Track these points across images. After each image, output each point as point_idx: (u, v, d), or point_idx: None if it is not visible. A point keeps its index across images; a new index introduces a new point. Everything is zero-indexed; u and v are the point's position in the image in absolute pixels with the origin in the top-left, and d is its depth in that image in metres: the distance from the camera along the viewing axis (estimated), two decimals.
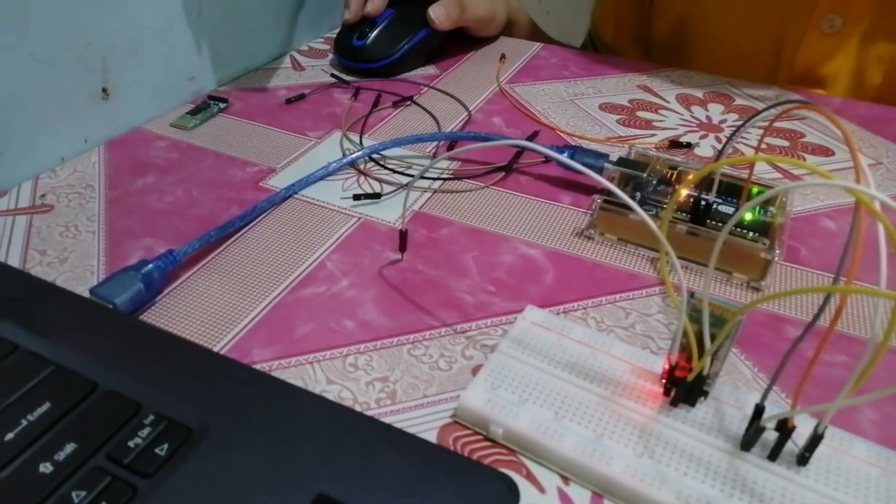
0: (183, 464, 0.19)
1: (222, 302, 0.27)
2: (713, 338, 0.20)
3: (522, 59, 0.51)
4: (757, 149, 0.28)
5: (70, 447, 0.19)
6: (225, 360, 0.22)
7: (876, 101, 0.45)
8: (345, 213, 0.32)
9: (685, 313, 0.20)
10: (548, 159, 0.37)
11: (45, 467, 0.18)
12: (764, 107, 0.24)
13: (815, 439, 0.19)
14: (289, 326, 0.26)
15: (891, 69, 0.45)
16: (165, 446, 0.19)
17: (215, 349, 0.24)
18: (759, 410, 0.19)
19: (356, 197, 0.33)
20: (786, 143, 0.40)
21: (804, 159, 0.38)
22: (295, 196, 0.34)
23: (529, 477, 0.20)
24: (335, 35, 0.49)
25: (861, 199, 0.15)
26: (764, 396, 0.19)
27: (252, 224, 0.31)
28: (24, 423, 0.19)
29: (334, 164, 0.35)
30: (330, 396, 0.23)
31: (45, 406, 0.20)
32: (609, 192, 0.31)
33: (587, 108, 0.44)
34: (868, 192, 0.15)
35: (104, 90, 0.37)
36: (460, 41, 0.52)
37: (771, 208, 0.30)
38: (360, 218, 0.32)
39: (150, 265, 0.26)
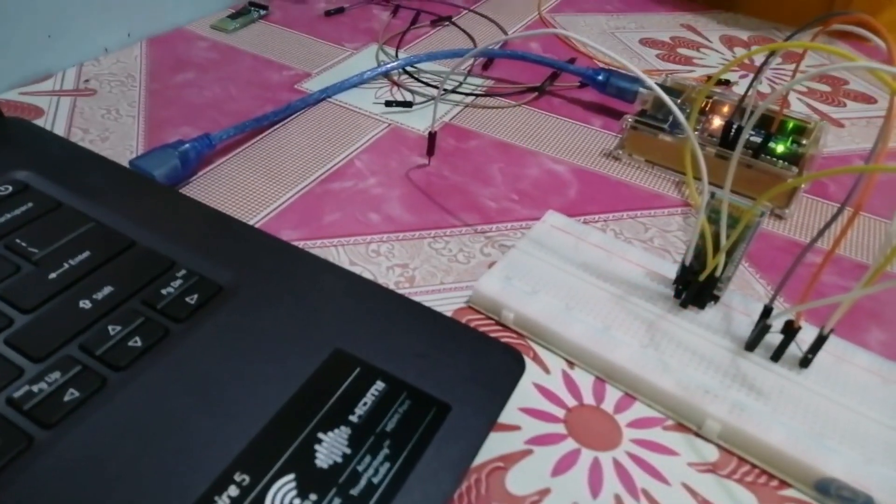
0: (212, 315, 0.20)
1: (254, 187, 0.28)
2: (729, 238, 0.20)
3: None
4: (794, 73, 0.27)
5: (108, 290, 0.20)
6: (256, 230, 0.23)
7: None
8: (376, 118, 0.33)
9: (704, 213, 0.20)
10: (582, 84, 0.37)
11: (85, 304, 0.20)
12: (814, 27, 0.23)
13: (820, 340, 0.19)
14: (316, 213, 0.27)
15: None
16: (196, 296, 0.20)
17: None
18: (766, 311, 0.20)
19: (388, 104, 0.34)
20: (828, 88, 0.39)
21: (845, 105, 0.38)
22: (328, 100, 0.34)
23: (536, 359, 0.21)
24: None
25: (884, 79, 0.15)
26: (773, 298, 0.20)
27: (285, 121, 0.32)
28: (66, 266, 0.21)
29: (369, 73, 0.35)
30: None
31: (86, 254, 0.21)
32: (641, 113, 0.31)
33: (627, 42, 0.43)
34: (893, 71, 0.15)
35: None
36: None
37: (804, 140, 0.30)
38: (390, 124, 0.32)
39: (187, 144, 0.27)
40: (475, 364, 0.19)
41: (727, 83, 0.39)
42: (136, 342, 0.19)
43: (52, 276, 0.20)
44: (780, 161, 0.28)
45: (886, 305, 0.24)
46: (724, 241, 0.20)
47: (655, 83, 0.33)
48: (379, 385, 0.18)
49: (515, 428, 0.19)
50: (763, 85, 0.39)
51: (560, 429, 0.19)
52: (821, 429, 0.18)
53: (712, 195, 0.20)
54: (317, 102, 0.34)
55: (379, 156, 0.30)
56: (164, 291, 0.20)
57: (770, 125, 0.30)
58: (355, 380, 0.18)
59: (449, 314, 0.23)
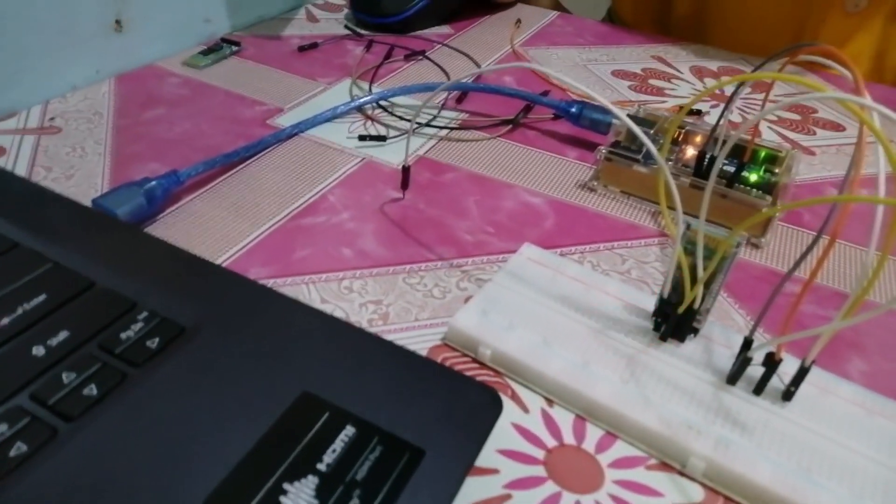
0: (173, 358, 0.19)
1: (223, 224, 0.27)
2: (706, 269, 0.20)
3: (538, 25, 0.51)
4: (764, 102, 0.27)
5: (63, 334, 0.19)
6: (222, 269, 0.22)
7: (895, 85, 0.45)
8: (350, 152, 0.32)
9: (680, 244, 0.20)
10: (556, 116, 0.37)
11: (38, 350, 0.19)
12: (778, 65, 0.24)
13: (802, 372, 0.19)
14: (287, 250, 0.26)
15: None
16: (157, 340, 0.19)
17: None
18: (746, 343, 0.19)
19: (361, 137, 0.33)
20: (797, 117, 0.40)
21: (815, 133, 0.38)
22: (301, 135, 0.34)
23: (514, 398, 0.20)
24: None
25: (852, 108, 0.15)
26: (752, 330, 0.19)
27: (257, 157, 0.32)
28: (20, 310, 0.20)
29: (342, 107, 0.35)
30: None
31: (42, 297, 0.20)
32: (615, 144, 0.31)
33: (599, 74, 0.43)
34: (861, 102, 0.15)
35: (118, 22, 0.37)
36: (477, 5, 0.52)
37: (776, 169, 0.30)
38: (364, 159, 0.32)
39: (154, 182, 0.26)
40: (450, 405, 0.18)
41: (699, 113, 0.39)
42: (91, 390, 0.18)
43: (5, 321, 0.19)
44: (754, 190, 0.28)
45: (866, 335, 0.24)
46: (700, 273, 0.19)
47: (628, 114, 0.33)
48: (349, 430, 0.17)
49: (493, 471, 0.18)
50: (734, 115, 0.39)
51: (540, 471, 0.18)
52: (808, 464, 0.18)
53: (688, 226, 0.20)
54: (289, 137, 0.33)
55: (352, 190, 0.30)
56: (123, 335, 0.19)
57: (743, 154, 0.30)
58: (324, 425, 0.17)
59: (424, 352, 0.22)
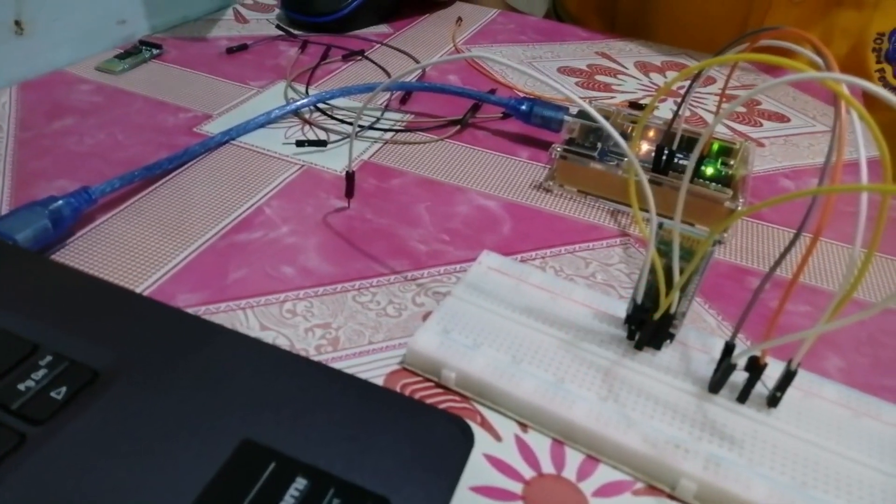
0: (85, 410, 0.16)
1: (144, 245, 0.24)
2: (682, 271, 0.18)
3: (479, 23, 0.49)
4: (722, 95, 0.27)
5: None
6: (144, 299, 0.19)
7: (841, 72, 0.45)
8: (287, 160, 0.30)
9: (653, 245, 0.18)
10: (505, 115, 0.35)
11: None
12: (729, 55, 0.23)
13: (788, 376, 0.18)
14: (219, 272, 0.23)
15: (855, 41, 0.45)
16: (63, 390, 0.16)
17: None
18: (729, 348, 0.18)
19: (300, 143, 0.31)
20: (743, 109, 0.40)
21: (762, 125, 0.38)
22: (232, 142, 0.31)
23: (485, 424, 0.19)
24: None
25: (837, 89, 0.14)
26: (734, 334, 0.18)
27: (183, 168, 0.29)
28: None
29: (277, 112, 0.33)
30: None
31: None
32: (569, 142, 0.29)
33: (546, 71, 0.42)
34: (838, 77, 0.14)
35: (17, 23, 0.33)
36: (416, 3, 0.50)
37: (731, 161, 0.29)
38: (303, 166, 0.30)
39: (61, 201, 0.23)
40: (415, 442, 0.16)
41: (642, 108, 0.38)
42: None
43: None
44: (713, 184, 0.27)
45: (842, 332, 0.23)
46: (677, 276, 0.18)
47: (579, 109, 0.32)
48: (300, 482, 0.15)
49: None
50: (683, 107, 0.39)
51: None
52: (802, 477, 0.16)
53: (660, 226, 0.19)
54: (219, 146, 0.30)
55: (292, 201, 0.27)
56: (21, 386, 0.16)
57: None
58: (271, 477, 0.15)
59: (381, 380, 0.20)
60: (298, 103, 0.33)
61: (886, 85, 0.45)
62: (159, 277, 0.23)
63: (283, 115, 0.33)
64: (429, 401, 0.19)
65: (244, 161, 0.29)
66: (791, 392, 0.19)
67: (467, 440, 0.16)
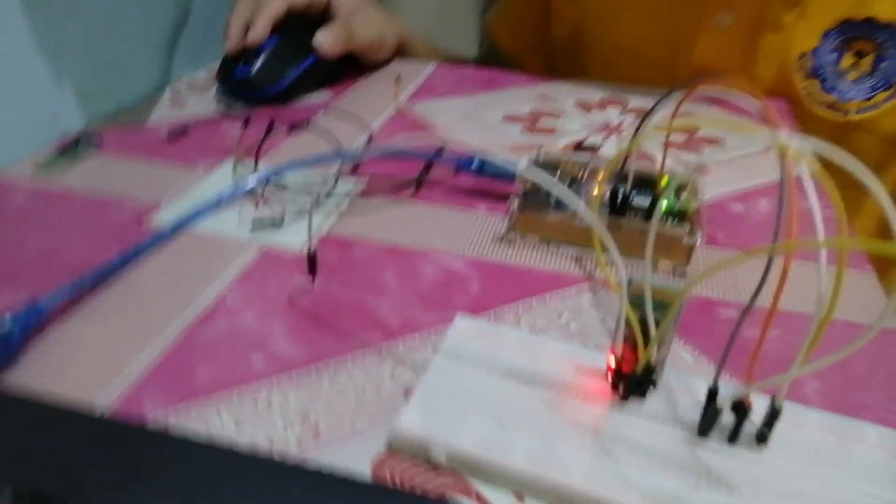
0: None
1: (102, 353, 0.23)
2: (657, 323, 0.18)
3: (419, 78, 0.50)
4: (669, 129, 0.27)
5: None
6: (102, 420, 0.18)
7: (769, 96, 0.47)
8: (243, 243, 0.29)
9: (625, 300, 0.18)
10: (458, 170, 0.35)
11: None
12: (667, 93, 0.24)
13: (773, 414, 0.18)
14: (186, 371, 0.22)
15: (780, 62, 0.47)
16: None
17: (96, 407, 0.20)
18: (712, 393, 0.18)
19: (255, 225, 0.30)
20: (684, 137, 0.41)
21: (702, 151, 0.39)
22: (185, 231, 0.30)
23: (480, 501, 0.18)
24: (218, 67, 0.46)
25: (784, 150, 0.14)
26: (716, 379, 0.18)
27: (136, 265, 0.28)
28: None
29: (228, 194, 0.32)
30: (242, 443, 0.19)
31: None
32: (526, 193, 0.30)
33: (490, 121, 0.43)
34: (786, 139, 0.14)
35: None
36: (353, 67, 0.50)
37: (683, 194, 0.30)
38: (261, 247, 0.29)
39: (7, 321, 0.22)
40: None
41: (594, 149, 0.39)
42: None
43: None
44: (670, 219, 0.28)
45: (815, 353, 0.23)
46: (653, 331, 0.18)
47: (532, 162, 0.33)
48: None
49: None
50: (612, 144, 0.40)
51: None
52: None
53: (630, 281, 0.19)
54: (171, 236, 0.29)
55: (253, 286, 0.27)
56: None
57: (651, 185, 0.30)
58: None
59: (367, 467, 0.19)
60: (249, 183, 0.33)
61: (815, 101, 0.47)
62: (123, 386, 0.21)
63: (234, 196, 0.32)
64: (419, 483, 0.18)
65: (199, 249, 0.29)
66: (779, 425, 0.19)
67: None
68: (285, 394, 0.21)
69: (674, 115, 0.28)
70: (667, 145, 0.30)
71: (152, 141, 0.39)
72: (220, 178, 0.35)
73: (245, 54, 0.44)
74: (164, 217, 0.31)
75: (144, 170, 0.35)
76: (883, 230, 0.51)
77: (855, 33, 0.45)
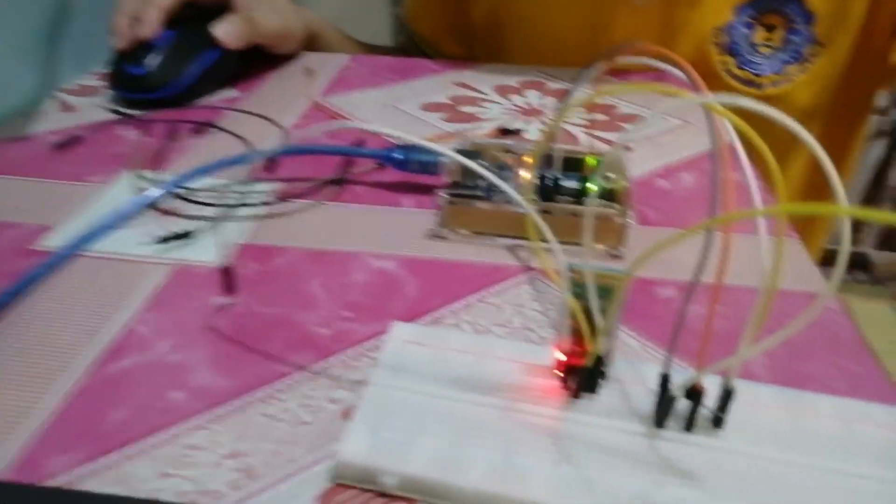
0: None
1: None
2: (603, 311, 0.17)
3: (332, 71, 0.48)
4: (596, 95, 0.27)
5: None
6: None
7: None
8: (151, 262, 0.26)
9: (568, 292, 0.18)
10: (381, 165, 0.34)
11: None
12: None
13: (727, 395, 0.17)
14: (95, 418, 0.20)
15: (697, 38, 0.48)
16: None
17: None
18: (665, 381, 0.18)
19: (162, 240, 0.27)
20: (605, 117, 0.41)
21: (623, 129, 0.40)
22: (81, 254, 0.27)
23: None
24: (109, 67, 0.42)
25: (713, 109, 0.14)
26: (667, 365, 0.18)
27: (26, 297, 0.24)
28: None
29: (129, 208, 0.29)
30: (166, 496, 0.17)
31: None
32: (454, 184, 0.29)
33: (409, 111, 0.41)
34: (715, 100, 0.13)
35: None
36: (261, 61, 0.47)
37: (611, 175, 0.30)
38: (171, 265, 0.26)
39: None
40: None
41: (517, 132, 0.39)
42: None
43: None
44: (601, 200, 0.28)
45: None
46: (600, 322, 0.17)
47: (458, 150, 0.31)
48: None
49: None
50: (536, 127, 0.39)
51: None
52: (767, 499, 0.16)
53: (570, 269, 0.18)
54: (65, 262, 0.26)
55: (166, 310, 0.24)
56: None
57: (577, 167, 0.30)
58: None
59: None
60: (152, 195, 0.30)
61: (732, 76, 0.48)
62: (20, 442, 0.19)
63: (136, 210, 0.29)
64: None
65: (100, 273, 0.26)
66: (731, 406, 0.18)
67: None
68: (212, 431, 0.19)
69: (596, 87, 0.27)
70: (590, 126, 0.29)
71: (38, 154, 0.35)
72: (119, 192, 0.31)
73: (138, 52, 0.40)
74: (56, 240, 0.27)
75: (29, 187, 0.32)
76: (806, 195, 0.54)
77: (765, 7, 0.47)
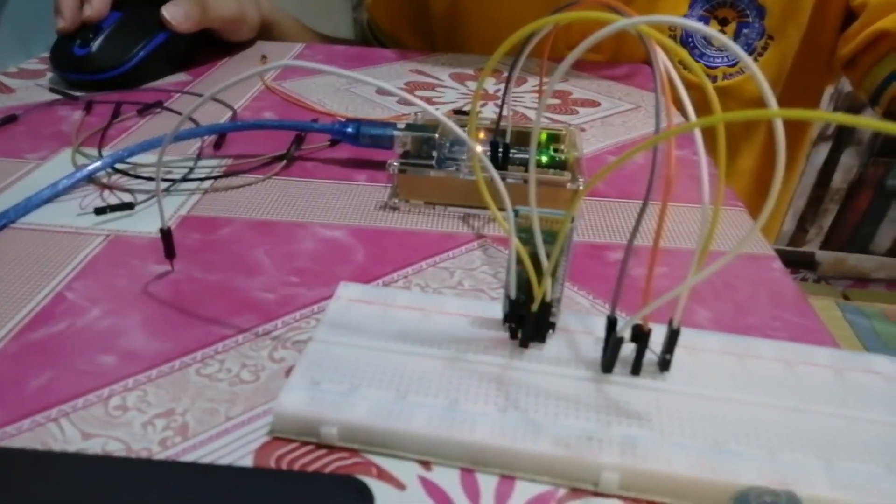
0: None
1: None
2: (549, 255, 0.17)
3: (286, 58, 0.47)
4: (540, 92, 0.27)
5: None
6: None
7: (634, 62, 0.48)
8: (86, 233, 0.25)
9: (514, 236, 0.17)
10: (333, 141, 0.33)
11: None
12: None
13: (672, 336, 0.17)
14: (16, 381, 0.18)
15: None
16: None
17: None
18: (612, 323, 0.17)
19: (99, 211, 0.26)
20: (558, 101, 0.41)
21: (578, 112, 0.40)
22: (11, 226, 0.26)
23: (382, 476, 0.16)
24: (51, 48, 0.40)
25: (643, 31, 0.14)
26: (613, 308, 0.17)
27: None
28: None
29: (65, 181, 0.28)
30: (90, 452, 0.16)
31: None
32: (405, 154, 0.28)
33: (364, 94, 0.41)
34: (645, 20, 0.13)
35: None
36: (213, 47, 0.46)
37: (561, 146, 0.30)
38: (108, 235, 0.25)
39: None
40: None
41: (466, 114, 0.38)
42: None
43: None
44: (551, 170, 0.28)
45: (702, 286, 0.24)
46: (545, 262, 0.17)
47: (408, 124, 0.31)
48: None
49: None
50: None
51: None
52: (714, 436, 0.16)
53: (516, 213, 0.18)
54: None
55: (99, 278, 0.23)
56: None
57: (527, 140, 0.30)
58: None
59: (250, 459, 0.16)
60: (91, 167, 0.28)
61: (686, 67, 0.49)
62: None
63: (74, 183, 0.28)
64: (312, 467, 0.16)
65: (30, 244, 0.24)
66: (678, 352, 0.18)
67: (366, 499, 0.14)
68: (144, 392, 0.18)
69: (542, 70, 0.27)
70: (541, 95, 0.29)
71: None
72: (57, 168, 0.30)
73: (83, 33, 0.39)
74: None
75: None
76: (755, 191, 0.55)
77: (719, 1, 0.48)
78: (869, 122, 0.11)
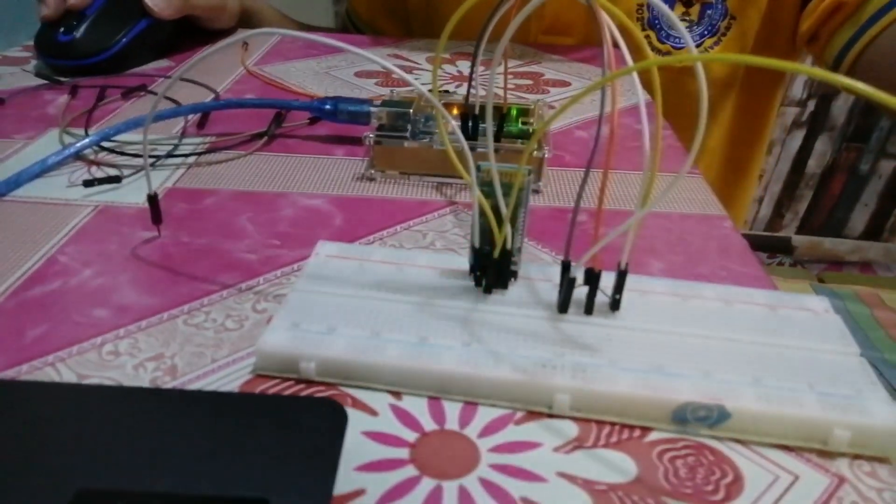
0: None
1: None
2: (508, 205, 0.19)
3: (267, 45, 0.48)
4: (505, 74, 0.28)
5: None
6: None
7: (613, 46, 0.50)
8: (76, 204, 0.27)
9: (476, 189, 0.19)
10: (312, 119, 0.34)
11: None
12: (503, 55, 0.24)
13: (621, 276, 0.19)
14: (14, 333, 0.20)
15: (622, 13, 0.50)
16: None
17: None
18: (566, 266, 0.19)
19: (88, 183, 0.27)
20: (530, 81, 0.43)
21: (549, 92, 0.41)
22: (2, 200, 0.27)
23: (357, 404, 0.18)
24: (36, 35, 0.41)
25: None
26: (566, 252, 0.19)
27: None
28: None
29: (53, 157, 0.29)
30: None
31: None
32: (381, 127, 0.30)
33: (343, 77, 0.42)
34: None
35: None
36: (196, 35, 0.47)
37: (531, 119, 0.31)
38: (97, 206, 0.26)
39: None
40: (286, 435, 0.15)
41: (446, 93, 0.40)
42: None
43: None
44: (519, 140, 0.29)
45: (654, 239, 0.25)
46: (504, 210, 0.19)
47: (383, 100, 0.33)
48: None
49: (360, 493, 0.15)
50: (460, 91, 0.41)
51: (411, 471, 0.16)
52: (658, 361, 0.18)
53: (478, 168, 0.19)
54: None
55: (90, 243, 0.24)
56: None
57: (499, 114, 0.31)
58: None
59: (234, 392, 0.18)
60: (78, 145, 0.30)
61: (653, 49, 0.51)
62: None
63: (62, 159, 0.29)
64: (290, 396, 0.18)
65: (22, 216, 0.26)
66: (629, 295, 0.20)
67: (340, 417, 0.15)
68: (135, 340, 0.20)
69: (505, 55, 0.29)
70: (516, 89, 0.31)
71: None
72: (45, 147, 0.31)
73: (67, 19, 0.40)
74: None
75: None
76: (724, 169, 0.57)
77: None
78: (814, 71, 0.13)
